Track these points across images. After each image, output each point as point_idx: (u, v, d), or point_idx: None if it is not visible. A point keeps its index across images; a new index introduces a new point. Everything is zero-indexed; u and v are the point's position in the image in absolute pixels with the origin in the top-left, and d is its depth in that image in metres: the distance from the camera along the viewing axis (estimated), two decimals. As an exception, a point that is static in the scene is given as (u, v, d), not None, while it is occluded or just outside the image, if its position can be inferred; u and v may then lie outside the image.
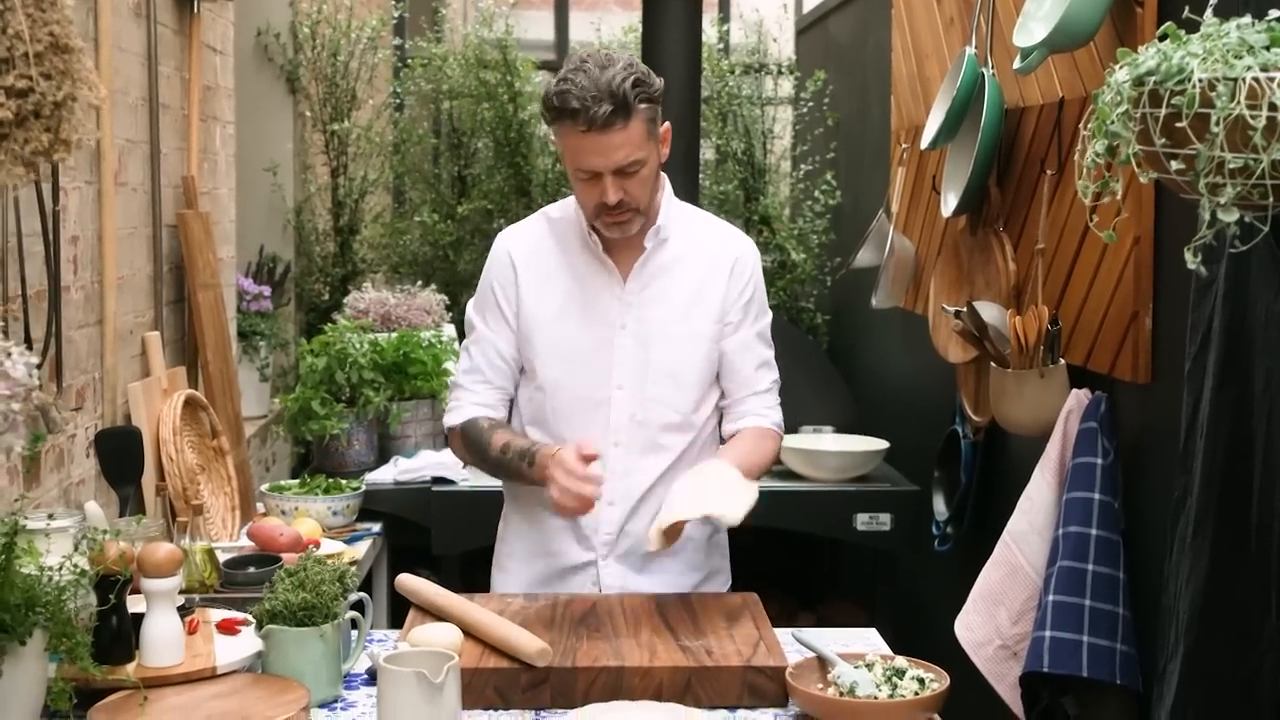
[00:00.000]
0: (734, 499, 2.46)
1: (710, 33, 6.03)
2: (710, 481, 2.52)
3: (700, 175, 5.25)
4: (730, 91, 5.93)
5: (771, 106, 6.16)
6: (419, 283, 5.10)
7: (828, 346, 5.82)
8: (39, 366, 2.69)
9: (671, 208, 2.77)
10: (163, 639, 2.20)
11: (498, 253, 2.80)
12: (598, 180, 2.58)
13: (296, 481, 3.97)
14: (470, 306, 2.85)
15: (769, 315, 2.86)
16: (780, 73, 6.23)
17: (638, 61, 2.61)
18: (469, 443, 2.75)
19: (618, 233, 2.66)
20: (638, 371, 2.71)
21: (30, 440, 1.97)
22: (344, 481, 3.94)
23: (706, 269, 2.76)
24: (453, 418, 2.80)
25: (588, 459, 2.50)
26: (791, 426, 4.36)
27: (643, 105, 2.56)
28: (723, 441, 2.81)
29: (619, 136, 2.54)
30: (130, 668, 2.15)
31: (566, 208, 2.79)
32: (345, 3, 5.71)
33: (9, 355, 1.78)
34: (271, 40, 5.33)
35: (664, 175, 2.73)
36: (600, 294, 2.72)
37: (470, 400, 2.78)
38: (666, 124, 2.67)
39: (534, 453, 2.62)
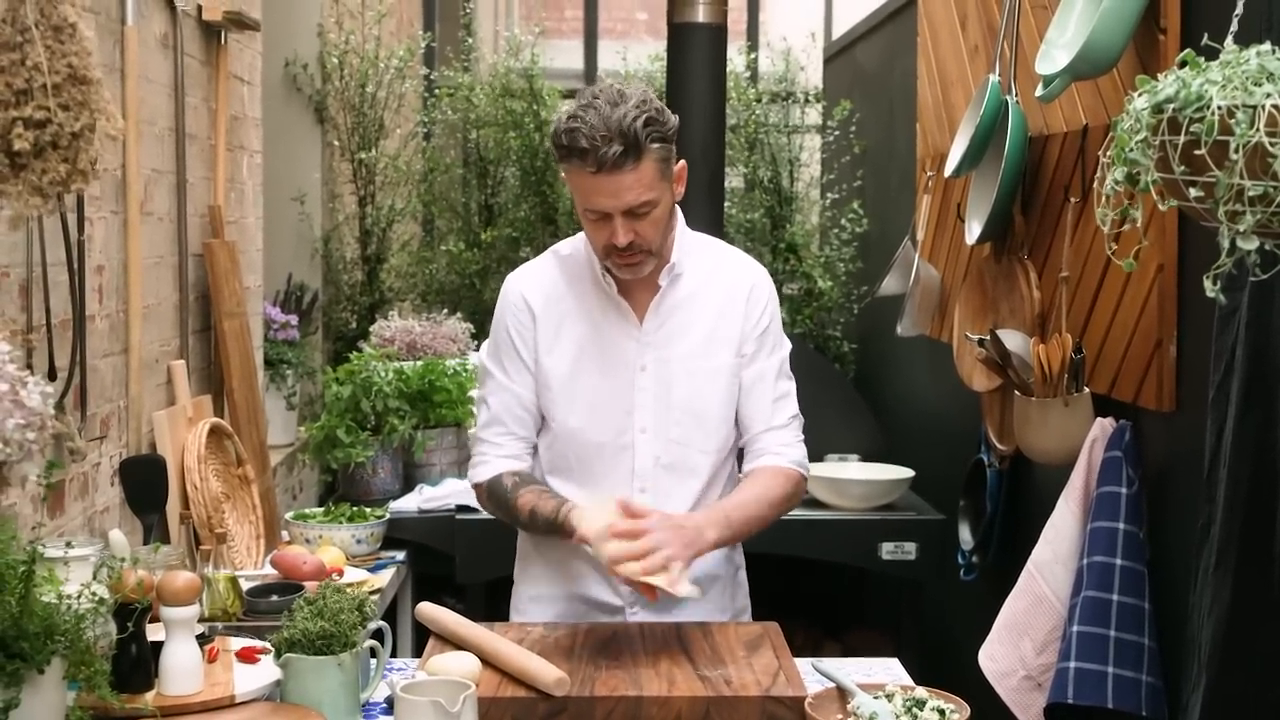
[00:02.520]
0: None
1: (738, 61, 6.05)
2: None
3: (727, 203, 5.25)
4: (757, 119, 5.93)
5: (799, 134, 6.16)
6: (445, 311, 5.11)
7: (854, 375, 5.80)
8: (63, 395, 2.72)
9: (685, 240, 2.69)
10: (181, 667, 2.20)
11: (512, 298, 2.71)
12: (607, 221, 2.51)
13: (321, 509, 3.98)
14: (484, 355, 2.78)
15: (787, 346, 2.77)
16: (808, 101, 6.23)
17: (652, 98, 2.51)
18: (496, 501, 2.69)
19: (629, 274, 2.59)
20: (660, 413, 2.65)
21: (45, 469, 1.97)
22: (368, 510, 3.95)
23: (723, 301, 2.69)
24: (478, 474, 2.72)
25: (631, 514, 2.45)
26: (817, 455, 4.34)
27: (655, 145, 2.47)
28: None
29: (629, 177, 2.46)
30: (149, 696, 2.16)
31: (576, 244, 2.72)
32: (373, 33, 5.75)
33: (24, 384, 1.79)
34: (300, 70, 5.37)
35: (677, 208, 2.66)
36: (617, 336, 2.65)
37: (495, 454, 2.70)
38: (682, 162, 2.59)
39: (561, 522, 2.54)
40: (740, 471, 2.75)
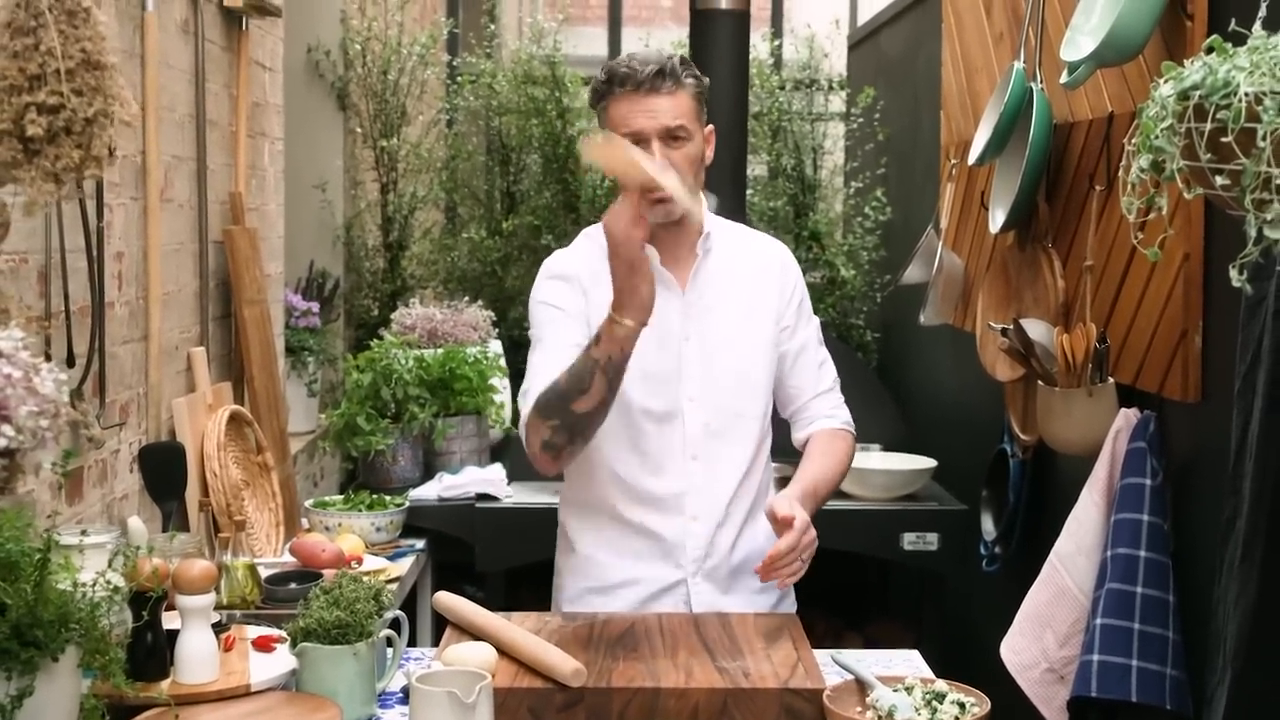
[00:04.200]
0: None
1: (762, 48, 6.02)
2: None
3: (750, 191, 5.23)
4: (781, 107, 5.91)
5: (822, 122, 6.13)
6: (466, 299, 5.10)
7: (876, 364, 5.78)
8: (82, 382, 2.71)
9: (710, 218, 2.77)
10: (197, 656, 2.20)
11: (560, 270, 2.72)
12: (644, 148, 2.55)
13: (340, 497, 3.98)
14: (535, 324, 2.71)
15: (817, 318, 2.88)
16: (831, 88, 6.20)
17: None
18: (545, 408, 2.53)
19: (661, 214, 2.58)
20: (707, 382, 2.70)
21: (62, 457, 1.97)
22: (388, 498, 3.94)
23: (757, 274, 2.77)
24: (526, 404, 2.59)
25: None
26: (838, 444, 4.34)
27: (690, 80, 2.62)
28: (799, 451, 2.79)
29: (667, 100, 2.58)
30: (164, 685, 2.16)
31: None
32: (396, 19, 5.73)
33: (38, 371, 1.78)
34: (322, 57, 5.36)
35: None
36: (662, 306, 2.59)
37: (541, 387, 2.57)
38: (711, 126, 2.70)
39: (596, 334, 2.46)
40: (795, 439, 2.83)
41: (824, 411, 2.82)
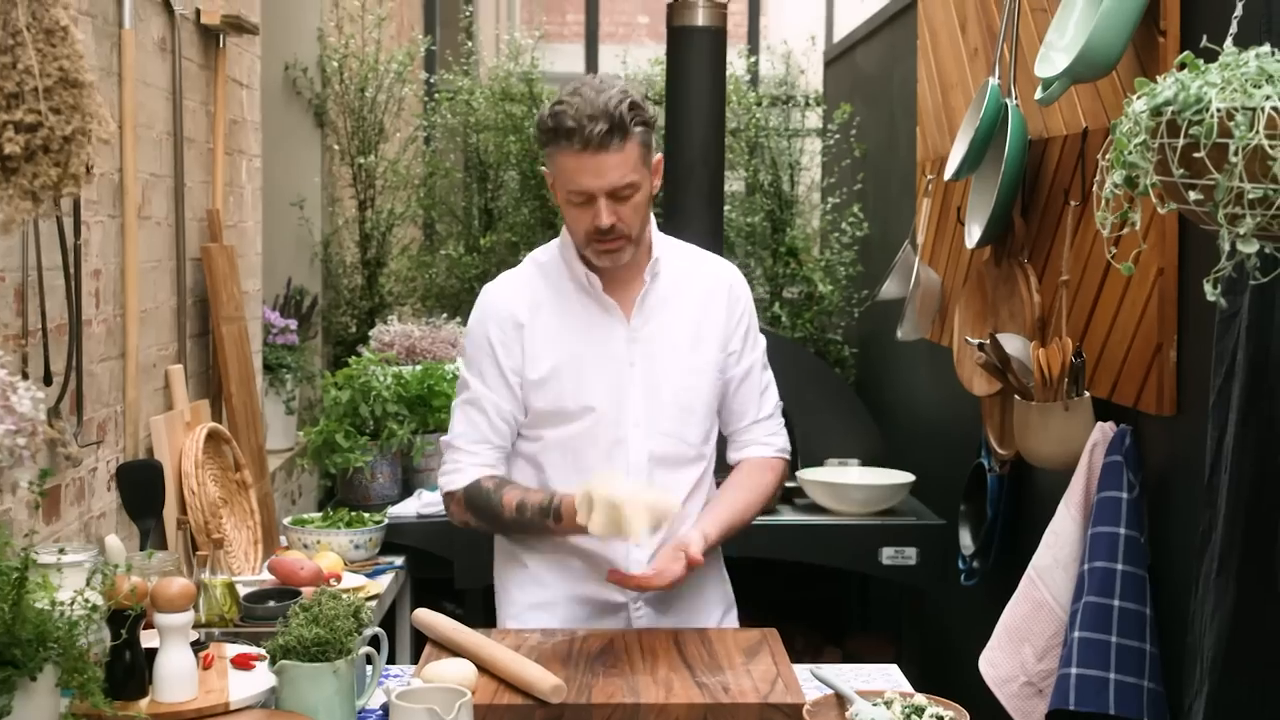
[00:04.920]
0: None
1: (738, 64, 6.03)
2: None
3: (727, 207, 5.24)
4: (758, 123, 5.93)
5: (799, 138, 6.15)
6: (444, 315, 5.10)
7: (854, 379, 5.79)
8: (59, 400, 2.71)
9: (659, 241, 2.73)
10: (176, 674, 2.19)
11: (495, 308, 2.70)
12: (590, 204, 2.54)
13: (319, 515, 3.97)
14: (462, 364, 2.78)
15: (763, 340, 2.84)
16: (808, 104, 6.22)
17: (632, 89, 2.58)
18: (475, 506, 2.69)
19: (609, 261, 2.61)
20: (652, 409, 2.68)
21: (39, 476, 1.96)
22: (366, 515, 3.93)
23: (704, 298, 2.74)
24: (452, 481, 2.72)
25: None
26: (817, 459, 4.36)
27: (638, 128, 2.53)
28: (729, 468, 2.80)
29: (614, 158, 2.51)
30: (143, 704, 2.14)
31: (552, 250, 2.74)
32: (373, 36, 5.74)
33: (14, 389, 1.78)
34: (299, 74, 5.36)
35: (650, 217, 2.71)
36: (606, 335, 2.67)
37: (470, 462, 2.70)
38: (659, 155, 2.65)
39: (556, 506, 2.57)
40: (730, 458, 2.84)
41: (759, 438, 2.81)
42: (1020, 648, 2.88)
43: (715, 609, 2.81)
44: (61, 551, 2.14)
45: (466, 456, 2.71)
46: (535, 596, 2.76)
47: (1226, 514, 2.11)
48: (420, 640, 2.60)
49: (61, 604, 1.95)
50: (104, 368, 3.00)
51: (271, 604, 2.95)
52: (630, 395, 2.67)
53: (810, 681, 2.34)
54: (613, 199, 2.54)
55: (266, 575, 3.34)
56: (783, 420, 2.87)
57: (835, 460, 4.41)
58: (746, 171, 5.95)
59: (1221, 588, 2.10)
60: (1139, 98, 1.78)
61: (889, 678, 2.51)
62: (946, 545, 3.99)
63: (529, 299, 2.69)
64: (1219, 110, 1.66)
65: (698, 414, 2.72)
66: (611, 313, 2.68)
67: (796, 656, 2.47)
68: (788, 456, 2.86)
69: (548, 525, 2.59)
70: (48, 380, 2.67)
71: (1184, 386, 2.60)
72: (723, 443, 2.87)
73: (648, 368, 2.68)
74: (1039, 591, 2.85)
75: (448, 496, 2.75)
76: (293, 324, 4.66)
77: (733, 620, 2.85)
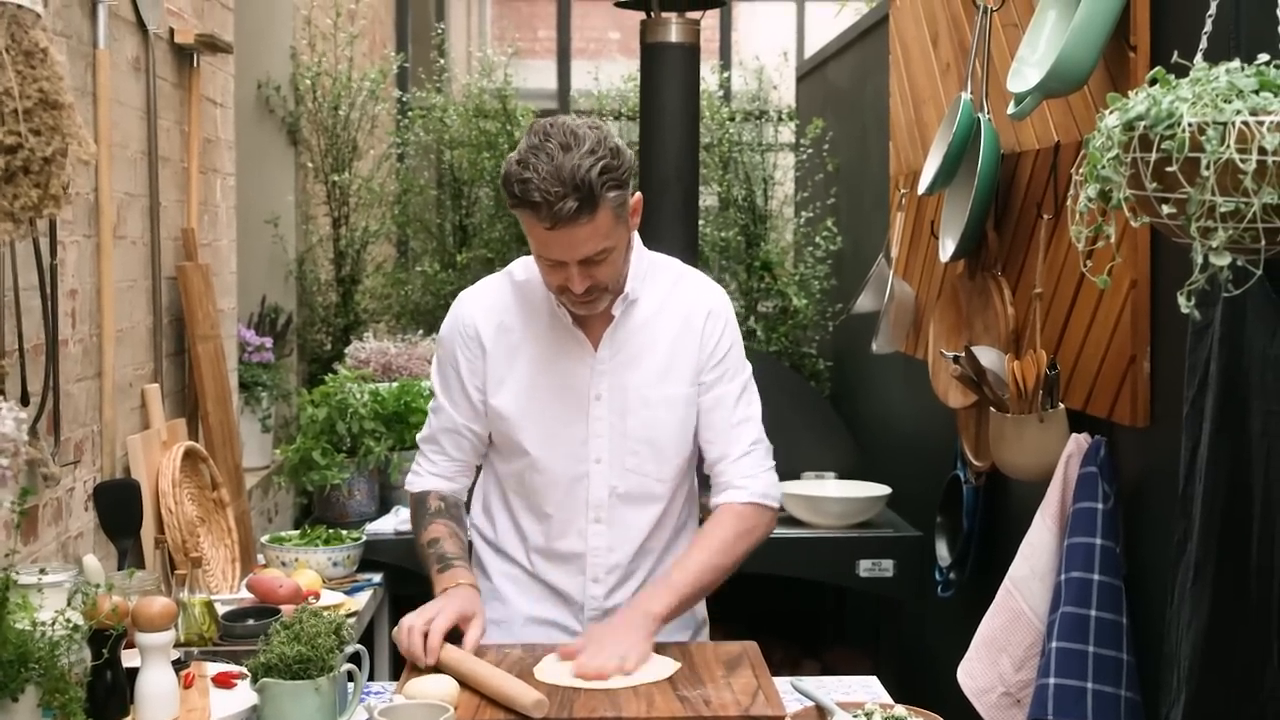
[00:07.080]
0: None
1: (711, 80, 6.06)
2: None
3: (701, 222, 5.26)
4: (731, 138, 5.95)
5: (772, 153, 6.18)
6: (420, 332, 5.10)
7: (829, 392, 5.81)
8: (36, 420, 2.70)
9: (641, 264, 2.64)
10: (157, 693, 2.19)
11: (463, 323, 2.67)
12: (563, 267, 2.45)
13: (297, 532, 3.95)
14: (433, 369, 2.77)
15: (748, 369, 2.72)
16: (781, 119, 6.25)
17: (606, 137, 2.40)
18: (414, 515, 2.78)
19: (584, 310, 2.56)
20: (616, 443, 2.62)
21: (20, 496, 1.96)
22: (344, 532, 3.92)
23: (679, 327, 2.65)
24: (411, 483, 2.81)
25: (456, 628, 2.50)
26: (793, 473, 4.37)
27: (611, 194, 2.37)
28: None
29: (585, 230, 2.37)
30: (125, 723, 2.14)
31: (532, 269, 2.63)
32: (346, 54, 5.74)
33: (-2, 410, 1.78)
34: (272, 93, 5.36)
35: (634, 234, 2.61)
36: (572, 365, 2.61)
37: (428, 470, 2.77)
38: (637, 195, 2.51)
39: (445, 570, 2.61)
40: (702, 491, 2.78)
41: (734, 480, 2.66)
42: (998, 658, 2.89)
43: (684, 632, 2.75)
44: (42, 572, 2.13)
45: (426, 463, 2.78)
46: (494, 613, 2.73)
47: (1201, 523, 2.13)
48: (398, 657, 2.60)
49: (43, 624, 1.95)
50: (80, 387, 3.00)
51: (250, 622, 2.94)
52: (594, 428, 2.62)
53: (791, 694, 2.35)
54: (585, 265, 2.44)
55: (245, 593, 3.33)
56: (769, 459, 2.72)
57: (811, 473, 4.42)
58: (720, 186, 5.96)
59: (1197, 596, 2.12)
60: (1111, 112, 1.80)
61: (869, 689, 2.52)
62: (923, 557, 4.00)
63: (498, 318, 2.66)
64: (1190, 125, 1.69)
65: (666, 450, 2.65)
66: (580, 343, 2.62)
67: (774, 669, 2.48)
68: (769, 502, 2.68)
69: (431, 574, 2.65)
70: (25, 400, 2.66)
71: (1157, 398, 2.63)
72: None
73: (614, 401, 2.61)
74: (1016, 602, 2.87)
75: (409, 494, 2.83)
76: (268, 342, 4.66)
77: (704, 639, 2.83)
